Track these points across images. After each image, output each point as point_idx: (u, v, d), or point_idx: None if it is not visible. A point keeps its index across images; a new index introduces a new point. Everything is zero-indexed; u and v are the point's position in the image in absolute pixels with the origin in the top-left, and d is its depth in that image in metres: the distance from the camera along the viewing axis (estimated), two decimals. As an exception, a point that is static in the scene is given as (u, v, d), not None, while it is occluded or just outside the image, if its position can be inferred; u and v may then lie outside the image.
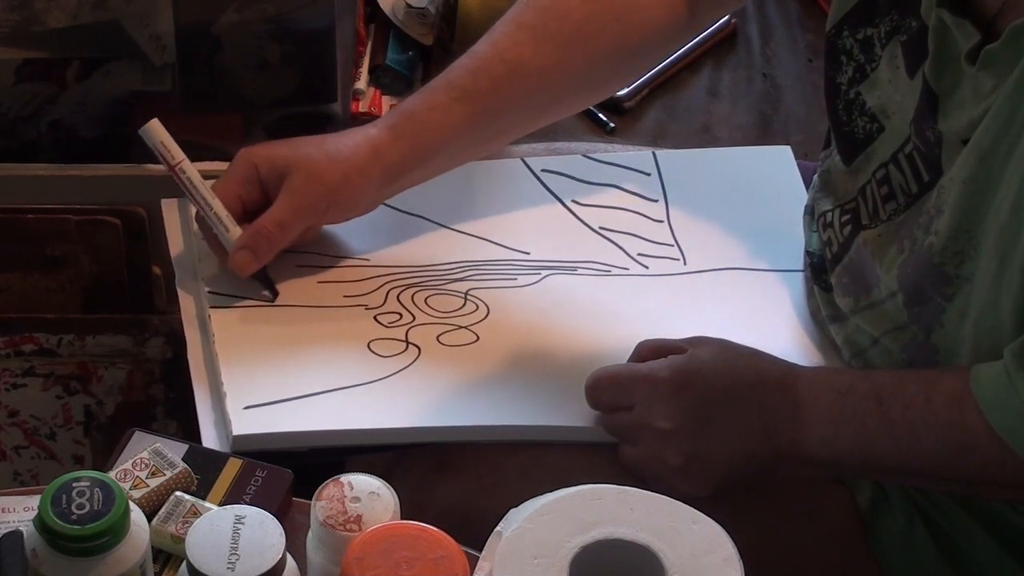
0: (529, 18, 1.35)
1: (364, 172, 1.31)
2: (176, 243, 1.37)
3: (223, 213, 1.31)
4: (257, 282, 1.32)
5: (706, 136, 1.70)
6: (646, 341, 1.26)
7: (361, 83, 1.68)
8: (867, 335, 1.25)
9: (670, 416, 1.19)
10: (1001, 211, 1.10)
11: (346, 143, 1.32)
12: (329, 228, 1.37)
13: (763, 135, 1.71)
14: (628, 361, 1.25)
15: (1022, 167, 1.08)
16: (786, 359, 1.23)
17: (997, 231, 1.11)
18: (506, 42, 1.35)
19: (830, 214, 1.29)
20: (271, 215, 1.30)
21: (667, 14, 1.37)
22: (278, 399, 1.24)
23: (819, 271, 1.31)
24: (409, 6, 1.70)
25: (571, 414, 1.25)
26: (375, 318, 1.32)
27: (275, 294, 1.32)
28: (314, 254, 1.36)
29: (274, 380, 1.25)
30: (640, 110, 1.71)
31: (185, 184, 1.31)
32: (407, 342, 1.30)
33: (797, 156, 1.49)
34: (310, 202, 1.31)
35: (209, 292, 1.31)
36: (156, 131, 1.31)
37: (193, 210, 1.33)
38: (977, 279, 1.14)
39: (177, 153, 1.31)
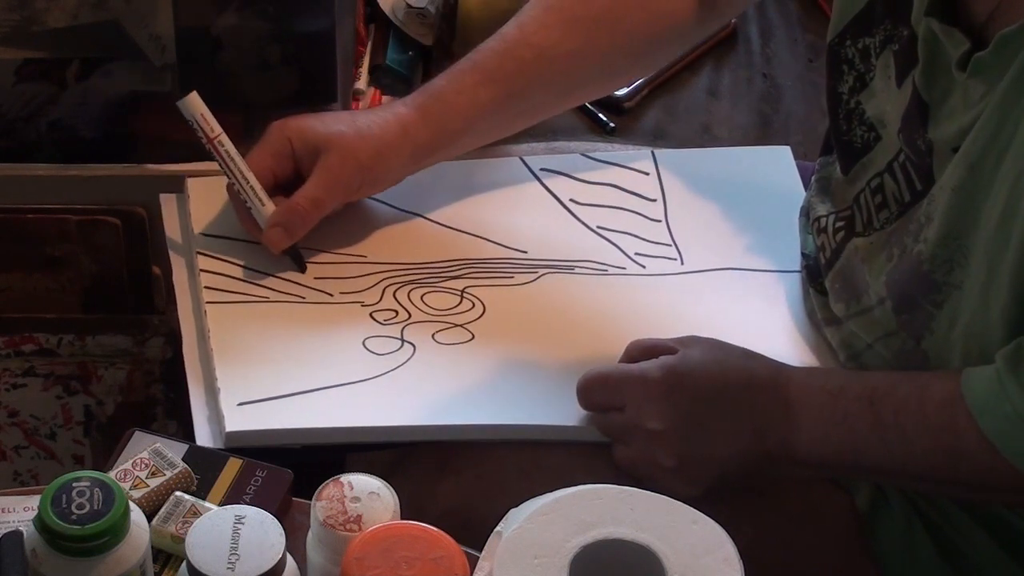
0: (556, 1, 1.37)
1: (395, 150, 1.33)
2: (174, 239, 1.37)
3: (258, 187, 1.32)
4: (288, 257, 1.33)
5: (706, 136, 1.70)
6: (637, 341, 1.26)
7: (361, 83, 1.68)
8: (861, 339, 1.25)
9: (661, 417, 1.19)
10: (990, 219, 1.10)
11: (376, 121, 1.34)
12: (326, 224, 1.38)
13: (763, 135, 1.71)
14: (619, 361, 1.25)
15: (1011, 175, 1.08)
16: (782, 360, 1.23)
17: (986, 239, 1.11)
18: (533, 25, 1.36)
19: (824, 219, 1.29)
20: (306, 192, 1.32)
21: (690, 4, 1.38)
22: (272, 396, 1.24)
23: (814, 274, 1.32)
24: (409, 6, 1.70)
25: (565, 413, 1.24)
26: (371, 315, 1.32)
27: (303, 269, 1.34)
28: (311, 250, 1.36)
29: (268, 376, 1.25)
30: (640, 110, 1.71)
31: (223, 157, 1.31)
32: (402, 339, 1.30)
33: (797, 156, 1.49)
34: (345, 180, 1.32)
35: (206, 288, 1.32)
36: (195, 103, 1.32)
37: (225, 182, 1.34)
38: (967, 287, 1.14)
39: (216, 126, 1.32)
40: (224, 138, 1.32)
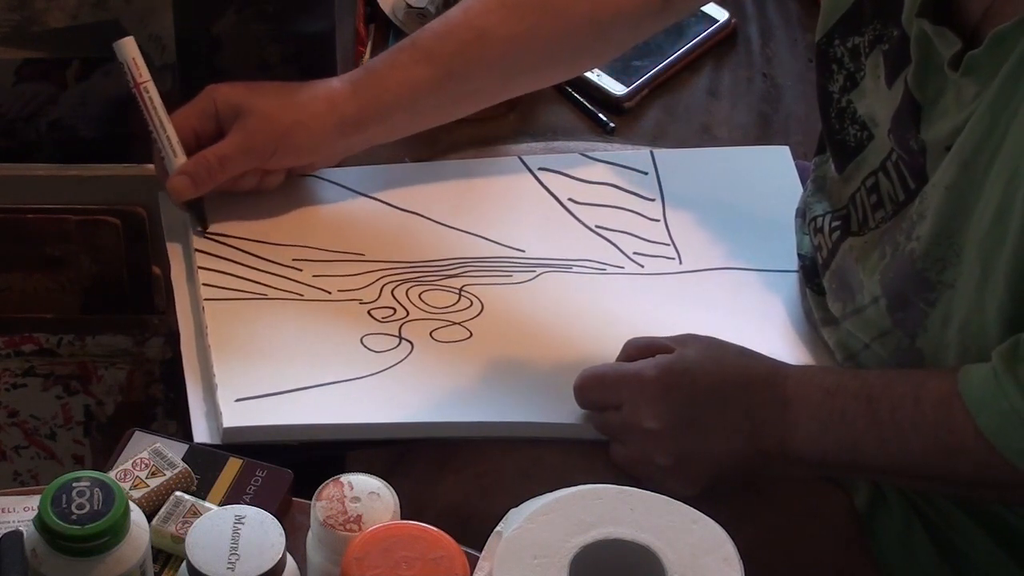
0: None
1: (318, 120, 1.35)
2: (173, 236, 1.38)
3: (174, 138, 1.35)
4: (190, 210, 1.36)
5: (706, 136, 1.70)
6: (634, 340, 1.26)
7: (361, 83, 1.68)
8: (858, 340, 1.25)
9: (658, 416, 1.19)
10: (984, 218, 1.10)
11: (305, 92, 1.36)
12: (325, 223, 1.38)
13: (763, 135, 1.70)
14: (616, 360, 1.26)
15: (1005, 173, 1.08)
16: (779, 359, 1.24)
17: (980, 238, 1.11)
18: (477, 8, 1.37)
19: (821, 219, 1.30)
20: (216, 148, 1.35)
21: None
22: (269, 392, 1.24)
23: (811, 274, 1.32)
24: (409, 6, 1.70)
25: (563, 411, 1.25)
26: (369, 312, 1.32)
27: (204, 227, 1.36)
28: (310, 248, 1.36)
29: (266, 373, 1.26)
30: (640, 110, 1.71)
31: (145, 103, 1.35)
32: (400, 337, 1.30)
33: (797, 156, 1.49)
34: (257, 143, 1.35)
35: (204, 285, 1.32)
36: (130, 47, 1.36)
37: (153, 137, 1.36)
38: (960, 285, 1.14)
39: (145, 72, 1.36)
40: (151, 85, 1.35)
